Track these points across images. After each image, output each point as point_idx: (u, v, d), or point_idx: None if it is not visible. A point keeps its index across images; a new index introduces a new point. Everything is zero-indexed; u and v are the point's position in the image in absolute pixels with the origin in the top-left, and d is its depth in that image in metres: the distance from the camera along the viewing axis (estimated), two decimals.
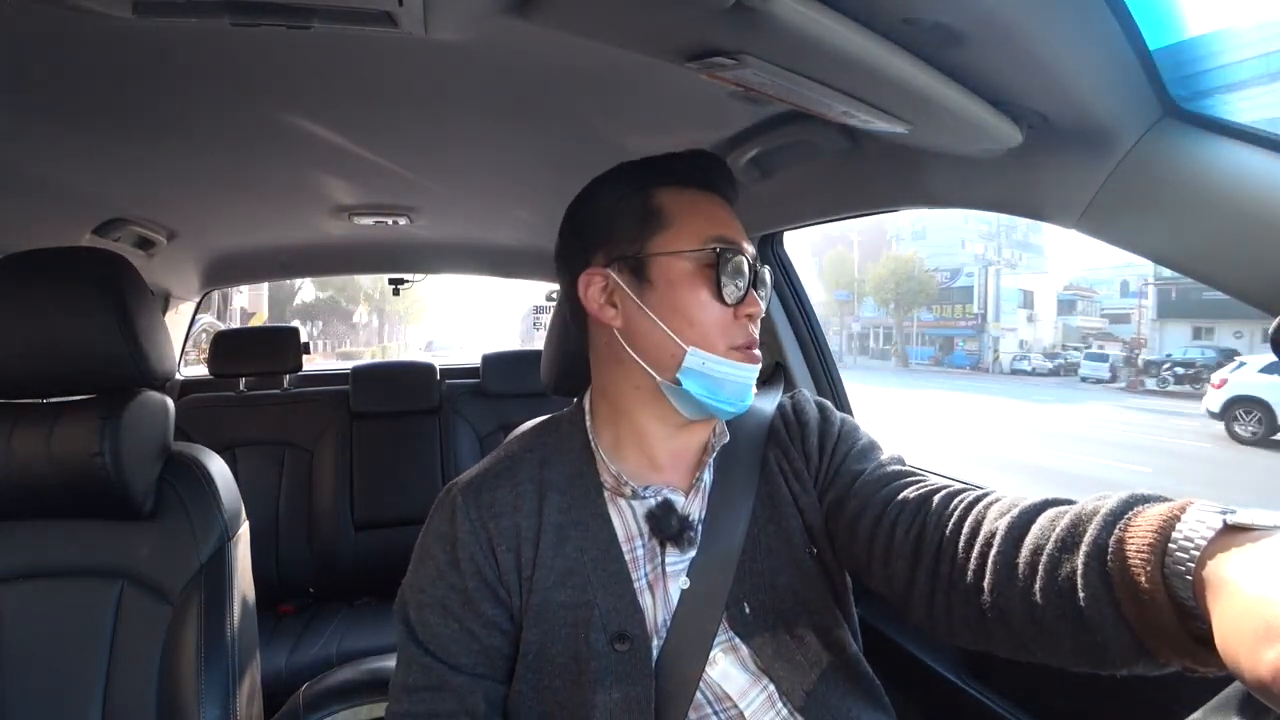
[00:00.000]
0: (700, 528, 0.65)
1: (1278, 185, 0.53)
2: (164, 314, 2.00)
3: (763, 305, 0.66)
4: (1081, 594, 0.41)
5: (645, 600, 0.63)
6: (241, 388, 2.11)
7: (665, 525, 0.64)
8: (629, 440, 0.68)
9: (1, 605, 0.80)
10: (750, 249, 0.66)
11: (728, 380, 0.63)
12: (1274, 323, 0.52)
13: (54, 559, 0.83)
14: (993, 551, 0.49)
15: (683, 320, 0.63)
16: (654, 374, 0.64)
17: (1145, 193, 0.60)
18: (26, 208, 1.24)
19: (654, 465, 0.68)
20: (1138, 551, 0.38)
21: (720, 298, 0.63)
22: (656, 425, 0.67)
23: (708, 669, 0.61)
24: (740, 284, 0.64)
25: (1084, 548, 0.42)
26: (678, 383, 0.63)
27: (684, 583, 0.63)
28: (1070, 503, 0.48)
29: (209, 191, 1.35)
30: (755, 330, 0.66)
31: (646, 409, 0.67)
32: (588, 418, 0.71)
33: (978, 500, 0.55)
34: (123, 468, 0.79)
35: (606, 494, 0.67)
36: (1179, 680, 0.40)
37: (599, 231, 0.67)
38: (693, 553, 0.64)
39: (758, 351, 0.66)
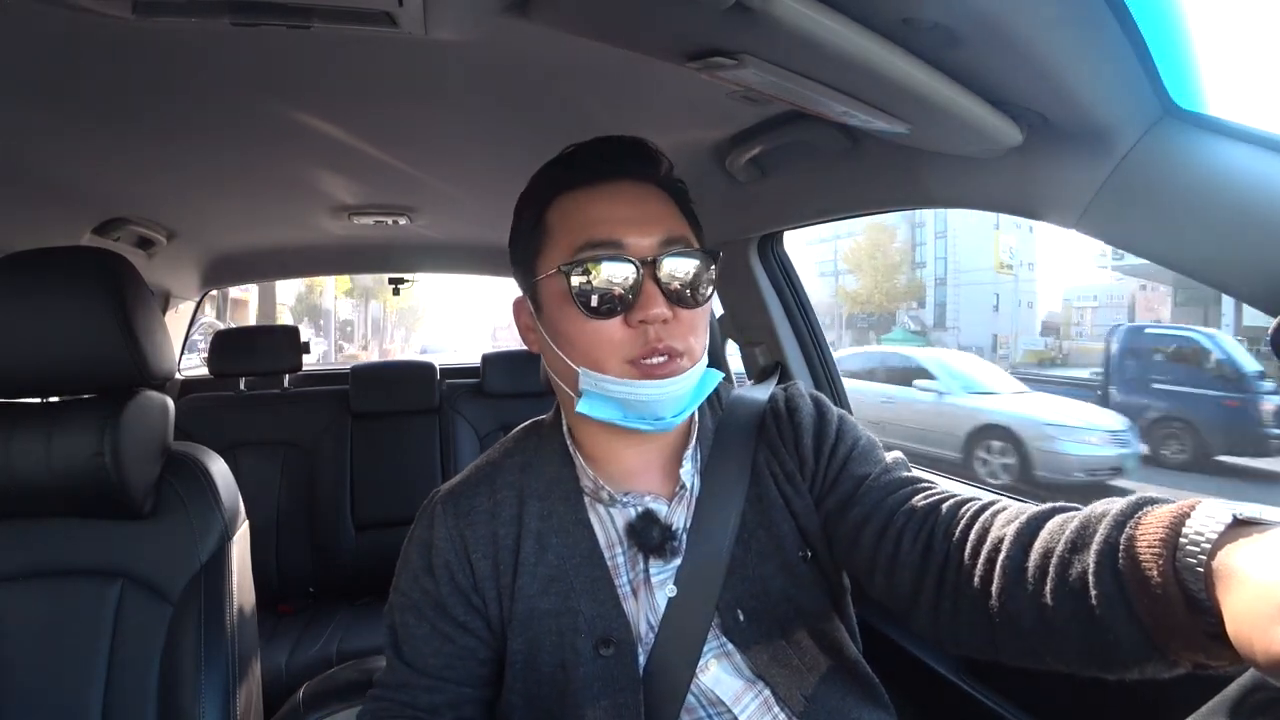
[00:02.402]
0: (685, 536, 0.63)
1: (1278, 185, 0.53)
2: (164, 314, 2.00)
3: (662, 306, 0.57)
4: (1093, 591, 0.41)
5: (629, 606, 0.62)
6: (241, 387, 2.11)
7: (646, 538, 0.62)
8: (600, 447, 0.66)
9: (1, 605, 0.80)
10: (648, 240, 0.58)
11: (630, 399, 0.58)
12: (1274, 323, 0.52)
13: (54, 559, 0.82)
14: (1001, 557, 0.48)
15: (565, 342, 0.60)
16: (572, 395, 0.62)
17: (1145, 193, 0.60)
18: (26, 207, 1.24)
19: (630, 471, 0.66)
20: (1149, 547, 0.39)
21: (591, 312, 0.57)
22: (610, 436, 0.65)
23: (699, 675, 0.61)
24: (614, 289, 0.57)
25: (1095, 547, 0.42)
26: None
27: (671, 591, 0.62)
28: (1076, 508, 0.48)
29: (209, 191, 1.35)
30: (669, 333, 0.58)
31: (591, 422, 0.63)
32: (565, 421, 0.69)
33: (984, 508, 0.54)
34: (123, 467, 0.79)
35: (586, 499, 0.65)
36: (1177, 682, 0.40)
37: (513, 259, 0.67)
38: (678, 561, 0.63)
39: (680, 358, 0.59)
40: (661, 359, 0.58)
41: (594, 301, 0.57)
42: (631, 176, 0.62)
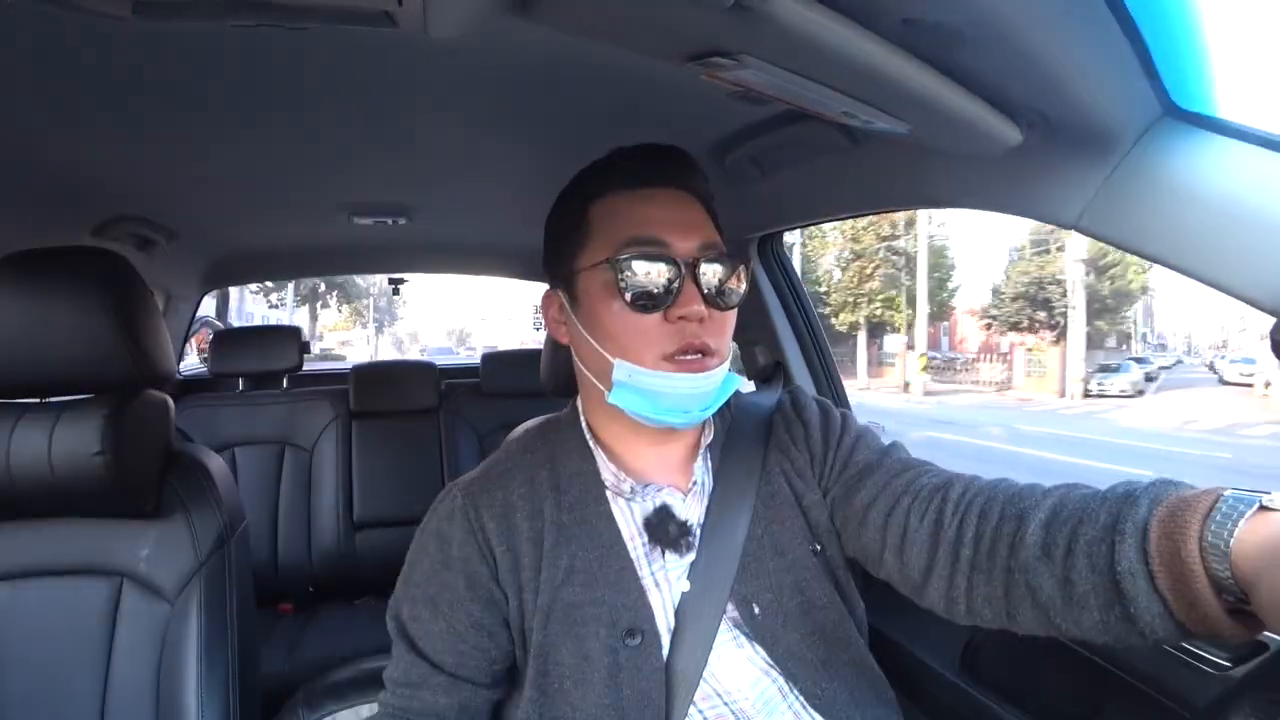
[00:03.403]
0: (699, 531, 0.65)
1: (1278, 185, 0.53)
2: (164, 314, 2.00)
3: (701, 304, 0.61)
4: (1118, 567, 0.43)
5: (652, 597, 0.63)
6: (241, 387, 2.11)
7: (663, 532, 0.64)
8: (619, 443, 0.69)
9: (1, 605, 0.80)
10: (689, 244, 0.62)
11: (663, 392, 0.61)
12: (1274, 323, 0.51)
13: (54, 559, 0.83)
14: (1019, 531, 0.51)
15: (603, 334, 0.63)
16: (601, 388, 0.64)
17: (1145, 193, 0.60)
18: (26, 207, 1.24)
19: (646, 469, 0.68)
20: (1178, 528, 0.41)
21: (634, 305, 0.60)
22: (629, 433, 0.68)
23: (715, 666, 0.62)
24: (658, 285, 0.60)
25: (1121, 524, 0.44)
26: None
27: (685, 585, 0.63)
28: (1092, 488, 0.50)
29: (209, 191, 1.35)
30: (704, 332, 0.61)
31: (612, 419, 0.67)
32: (583, 418, 0.71)
33: (993, 486, 0.57)
34: (123, 467, 0.79)
35: (609, 492, 0.67)
36: (1176, 681, 0.40)
37: (550, 253, 0.69)
38: (692, 556, 0.64)
39: (711, 356, 0.62)
40: (696, 355, 0.61)
41: (638, 295, 0.60)
42: (673, 184, 0.66)
